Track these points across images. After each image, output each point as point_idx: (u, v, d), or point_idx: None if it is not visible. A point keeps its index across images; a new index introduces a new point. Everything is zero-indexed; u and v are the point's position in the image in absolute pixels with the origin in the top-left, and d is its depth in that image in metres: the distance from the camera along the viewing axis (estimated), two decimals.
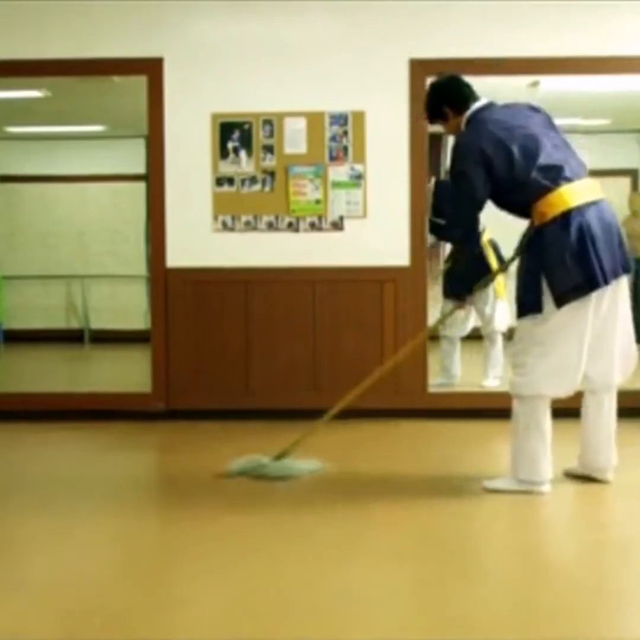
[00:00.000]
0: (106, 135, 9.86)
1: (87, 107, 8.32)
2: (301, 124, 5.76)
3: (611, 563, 3.42)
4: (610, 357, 4.12)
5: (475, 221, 4.17)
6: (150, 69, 5.77)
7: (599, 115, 8.77)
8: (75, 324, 10.23)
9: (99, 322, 10.00)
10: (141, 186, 8.49)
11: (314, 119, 5.76)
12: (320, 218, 5.78)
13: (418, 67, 5.70)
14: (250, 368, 5.83)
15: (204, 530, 3.72)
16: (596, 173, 4.37)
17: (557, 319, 3.97)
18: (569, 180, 3.99)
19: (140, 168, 8.30)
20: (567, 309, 3.95)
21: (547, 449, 4.09)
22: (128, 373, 7.24)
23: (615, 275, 3.98)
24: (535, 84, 6.58)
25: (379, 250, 5.78)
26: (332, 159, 5.78)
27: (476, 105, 4.17)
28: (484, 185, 4.02)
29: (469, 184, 4.04)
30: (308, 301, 5.80)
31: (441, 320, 5.51)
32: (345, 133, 5.76)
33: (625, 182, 9.91)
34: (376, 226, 5.77)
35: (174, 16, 5.75)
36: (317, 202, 5.78)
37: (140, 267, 9.31)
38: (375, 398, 5.77)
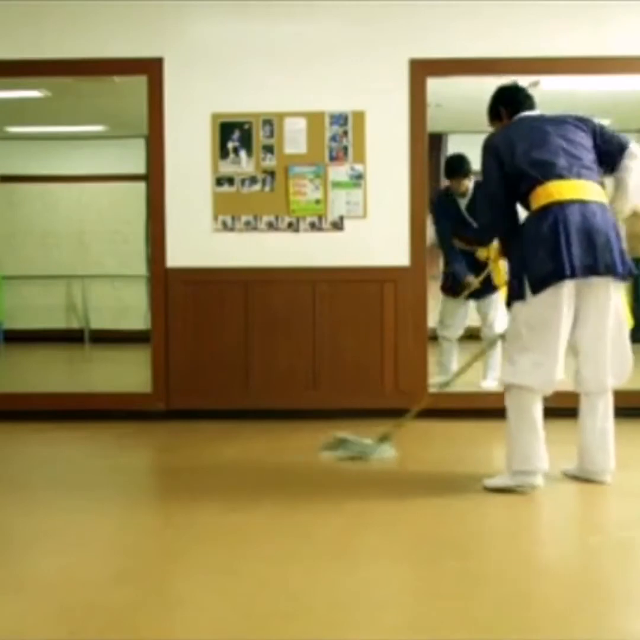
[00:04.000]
0: (106, 135, 9.86)
1: (87, 107, 8.32)
2: (301, 124, 5.76)
3: (610, 564, 3.42)
4: (603, 360, 4.16)
5: (502, 220, 4.25)
6: (150, 69, 5.77)
7: (599, 115, 8.67)
8: (75, 324, 10.22)
9: (99, 322, 10.00)
10: (141, 186, 8.49)
11: (314, 119, 5.76)
12: (320, 218, 5.78)
13: (418, 67, 5.70)
14: (250, 368, 5.83)
15: (203, 530, 3.72)
16: None
17: (532, 314, 4.05)
18: (561, 177, 4.06)
19: (140, 168, 8.30)
20: (541, 304, 4.02)
21: (540, 440, 4.11)
22: (128, 373, 7.24)
23: (589, 273, 4.00)
24: (535, 84, 6.57)
25: (379, 250, 5.78)
26: (332, 159, 5.78)
27: (524, 113, 4.32)
28: (500, 179, 4.17)
29: (486, 179, 4.26)
30: (308, 301, 5.80)
31: None
32: (345, 133, 5.76)
33: None
34: (376, 226, 5.77)
35: (174, 16, 5.75)
36: (317, 202, 5.78)
37: (140, 267, 9.31)
38: (375, 398, 5.79)
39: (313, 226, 5.79)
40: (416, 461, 4.77)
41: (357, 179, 5.77)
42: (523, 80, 6.31)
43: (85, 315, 10.08)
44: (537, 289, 4.01)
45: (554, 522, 3.97)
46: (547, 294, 4.00)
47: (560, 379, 4.11)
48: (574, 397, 4.27)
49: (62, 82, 6.70)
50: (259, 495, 4.19)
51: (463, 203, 6.65)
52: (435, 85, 5.76)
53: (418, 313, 5.81)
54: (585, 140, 4.21)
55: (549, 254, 3.97)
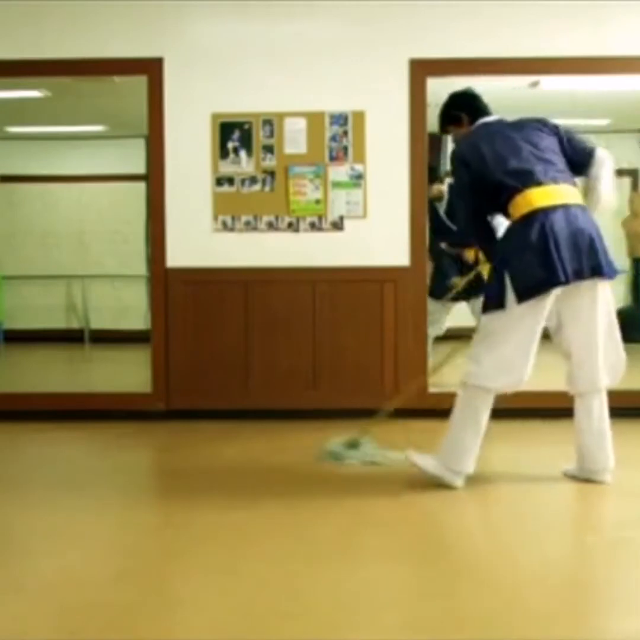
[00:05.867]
0: (106, 135, 9.87)
1: (87, 107, 8.32)
2: (301, 124, 5.76)
3: (608, 563, 3.42)
4: (596, 360, 4.15)
5: (478, 226, 4.28)
6: (150, 69, 5.77)
7: (599, 115, 8.77)
8: (75, 324, 10.23)
9: (99, 322, 10.00)
10: (141, 186, 8.49)
11: (314, 119, 5.76)
12: (320, 218, 5.79)
13: (418, 67, 5.70)
14: (250, 368, 5.83)
15: (203, 530, 3.72)
16: None
17: (513, 314, 4.02)
18: (539, 183, 4.06)
19: (140, 168, 8.30)
20: (525, 310, 4.00)
21: (476, 444, 4.17)
22: (128, 373, 7.24)
23: (578, 277, 3.99)
24: (535, 84, 6.59)
25: (379, 250, 5.78)
26: (332, 159, 5.78)
27: (484, 120, 4.34)
28: (470, 186, 4.20)
29: (458, 189, 4.35)
30: (308, 301, 5.80)
31: None
32: (345, 133, 5.76)
33: (625, 182, 9.89)
34: (376, 226, 5.78)
35: (174, 16, 5.75)
36: (317, 202, 5.78)
37: (140, 267, 9.31)
38: (375, 398, 5.78)
39: (313, 226, 5.79)
40: None
41: (357, 179, 5.77)
42: (523, 81, 6.39)
43: (85, 315, 10.09)
44: (525, 297, 3.97)
45: (554, 521, 3.97)
46: (533, 301, 3.98)
47: (527, 379, 4.11)
48: (569, 397, 4.27)
49: (62, 82, 6.70)
50: (259, 495, 4.19)
51: (441, 208, 6.73)
52: (435, 85, 5.76)
53: (418, 313, 5.82)
54: (551, 143, 4.21)
55: (539, 262, 3.95)
